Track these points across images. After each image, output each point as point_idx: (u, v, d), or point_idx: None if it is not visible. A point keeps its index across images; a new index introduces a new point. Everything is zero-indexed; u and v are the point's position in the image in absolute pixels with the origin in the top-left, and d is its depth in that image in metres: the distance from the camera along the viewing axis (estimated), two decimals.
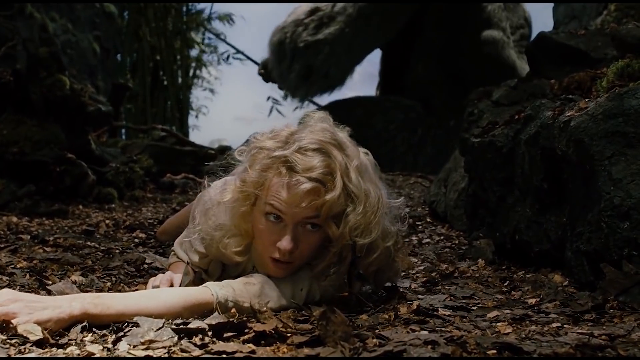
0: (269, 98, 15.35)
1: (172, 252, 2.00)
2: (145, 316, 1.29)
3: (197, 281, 1.70)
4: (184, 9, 16.96)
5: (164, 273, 1.94)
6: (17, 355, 1.02)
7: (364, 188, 1.49)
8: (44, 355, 1.05)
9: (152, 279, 1.82)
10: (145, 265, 2.30)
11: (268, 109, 15.64)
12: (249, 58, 17.02)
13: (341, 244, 1.52)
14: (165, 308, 1.35)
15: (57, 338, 1.14)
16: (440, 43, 10.82)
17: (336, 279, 1.57)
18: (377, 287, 1.76)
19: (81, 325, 1.21)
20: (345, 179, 1.46)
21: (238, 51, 17.65)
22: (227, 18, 18.03)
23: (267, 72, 12.13)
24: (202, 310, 1.39)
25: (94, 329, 1.22)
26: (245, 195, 1.52)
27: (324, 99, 11.89)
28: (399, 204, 1.70)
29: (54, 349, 1.09)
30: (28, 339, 1.10)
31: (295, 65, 10.72)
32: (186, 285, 1.70)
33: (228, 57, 18.29)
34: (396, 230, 1.65)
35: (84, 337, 1.17)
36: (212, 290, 1.43)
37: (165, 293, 1.48)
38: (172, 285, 1.76)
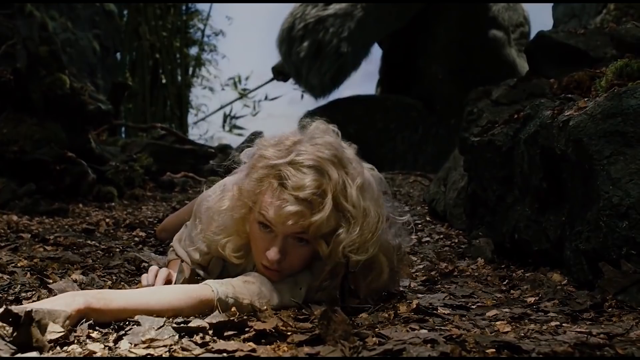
0: (295, 88, 15.31)
1: (171, 249, 2.01)
2: (146, 311, 1.30)
3: (192, 280, 1.71)
4: (183, 7, 16.96)
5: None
6: (17, 355, 1.02)
7: (363, 207, 1.48)
8: (45, 354, 1.06)
9: (151, 268, 1.78)
10: (145, 264, 2.30)
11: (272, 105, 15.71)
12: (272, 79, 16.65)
13: (334, 262, 1.52)
14: (166, 304, 1.36)
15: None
16: (444, 41, 10.77)
17: (327, 294, 1.57)
18: (376, 295, 1.75)
19: (87, 322, 1.22)
20: (341, 199, 1.45)
21: (269, 81, 17.35)
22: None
23: (282, 73, 12.00)
24: (203, 307, 1.41)
25: (96, 327, 1.23)
26: (242, 204, 1.53)
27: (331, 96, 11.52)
28: (406, 219, 1.71)
29: (57, 347, 1.09)
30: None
31: (305, 44, 10.50)
32: (181, 284, 1.71)
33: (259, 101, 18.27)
34: (399, 243, 1.67)
35: (85, 335, 1.17)
36: (213, 287, 1.44)
37: (166, 289, 1.49)
38: (169, 282, 1.76)
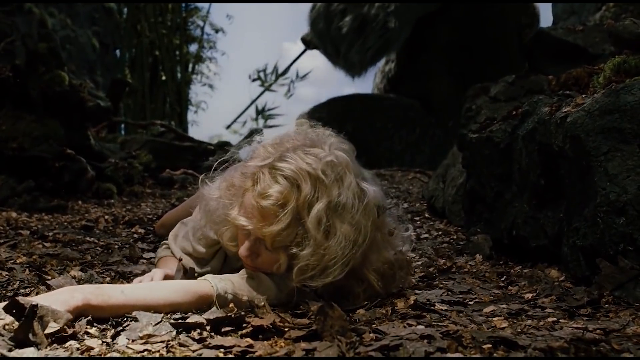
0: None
1: (164, 246, 1.96)
2: (145, 307, 1.30)
3: (192, 276, 1.71)
4: (183, 5, 16.96)
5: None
6: (15, 355, 1.02)
7: (325, 228, 1.40)
8: (42, 353, 1.06)
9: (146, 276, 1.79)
10: (144, 261, 2.31)
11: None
12: (302, 54, 15.84)
13: (289, 285, 1.49)
14: (164, 300, 1.36)
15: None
16: (447, 41, 10.61)
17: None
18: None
19: (85, 319, 1.22)
20: (305, 216, 1.40)
21: (295, 60, 16.85)
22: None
23: (312, 42, 11.63)
24: (202, 302, 1.41)
25: (94, 324, 1.23)
26: (230, 196, 1.53)
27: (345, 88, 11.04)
28: (409, 234, 1.71)
29: (55, 344, 1.10)
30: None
31: (347, 19, 9.98)
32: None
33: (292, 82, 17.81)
34: (397, 256, 1.66)
35: (83, 331, 1.18)
36: (212, 283, 1.44)
37: (165, 285, 1.49)
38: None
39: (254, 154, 1.54)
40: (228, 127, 17.34)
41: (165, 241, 1.98)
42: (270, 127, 17.43)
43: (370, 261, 1.54)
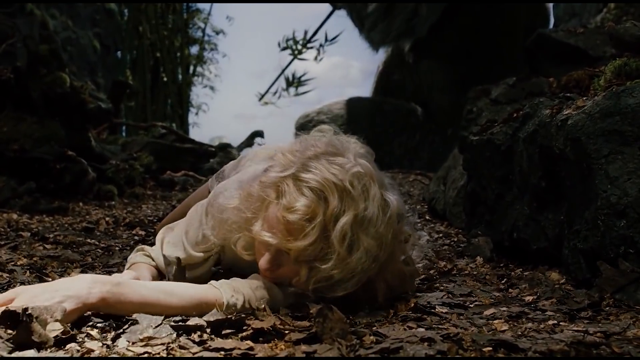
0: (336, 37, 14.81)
1: (140, 252, 1.81)
2: (157, 310, 1.30)
3: (179, 274, 1.68)
4: (184, 6, 16.96)
5: None
6: (16, 355, 1.02)
7: (349, 242, 1.35)
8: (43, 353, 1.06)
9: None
10: None
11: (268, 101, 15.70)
12: (330, 15, 15.26)
13: (300, 288, 1.46)
14: (177, 305, 1.35)
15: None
16: (452, 47, 10.46)
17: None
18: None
19: (88, 323, 1.23)
20: (331, 229, 1.34)
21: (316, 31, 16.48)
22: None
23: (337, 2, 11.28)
24: (210, 310, 1.39)
25: (95, 326, 1.23)
26: (248, 206, 1.49)
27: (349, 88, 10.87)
28: (423, 241, 1.71)
29: (54, 346, 1.10)
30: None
31: None
32: (174, 276, 1.68)
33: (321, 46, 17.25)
34: (409, 267, 1.65)
35: (85, 334, 1.18)
36: (224, 297, 1.41)
37: (181, 290, 1.43)
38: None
39: (273, 161, 1.49)
40: (260, 98, 17.06)
41: (140, 246, 1.85)
42: (302, 93, 17.13)
43: (384, 273, 1.51)
